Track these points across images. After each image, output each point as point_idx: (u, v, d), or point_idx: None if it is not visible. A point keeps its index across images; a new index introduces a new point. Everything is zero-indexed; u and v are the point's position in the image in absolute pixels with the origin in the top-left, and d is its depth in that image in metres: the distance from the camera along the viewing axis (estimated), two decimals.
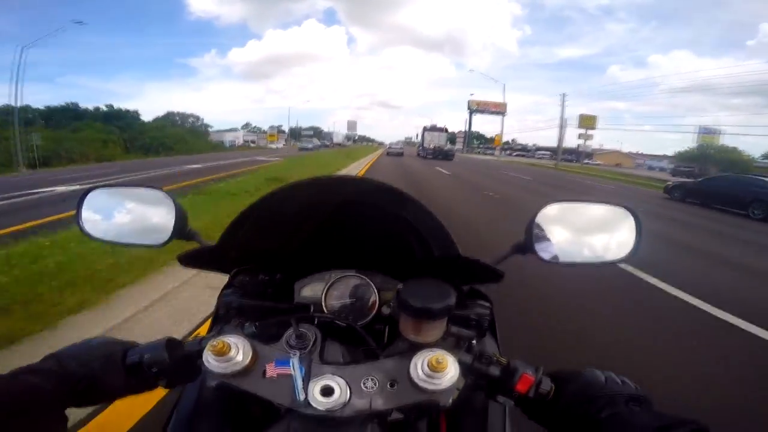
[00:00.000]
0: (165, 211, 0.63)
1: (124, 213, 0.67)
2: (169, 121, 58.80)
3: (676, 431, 0.35)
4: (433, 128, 32.45)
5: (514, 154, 74.14)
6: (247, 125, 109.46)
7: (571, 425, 0.42)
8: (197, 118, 68.00)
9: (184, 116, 65.77)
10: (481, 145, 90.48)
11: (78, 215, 0.66)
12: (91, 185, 0.69)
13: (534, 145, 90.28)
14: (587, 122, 45.54)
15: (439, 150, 29.15)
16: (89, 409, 1.44)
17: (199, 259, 0.63)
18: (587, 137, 45.98)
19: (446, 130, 33.00)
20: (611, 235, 0.64)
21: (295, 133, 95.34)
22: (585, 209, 0.67)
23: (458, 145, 67.36)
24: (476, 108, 70.94)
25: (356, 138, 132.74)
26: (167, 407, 0.62)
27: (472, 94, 73.97)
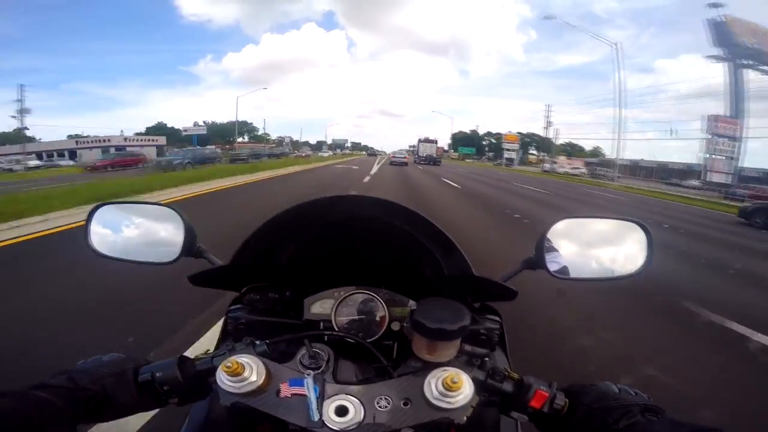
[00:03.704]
0: (174, 228, 0.62)
1: (132, 229, 0.66)
2: None
3: None
4: (426, 140, 40.58)
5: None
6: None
7: None
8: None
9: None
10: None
11: (87, 230, 0.64)
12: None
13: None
14: None
15: (430, 157, 37.18)
16: None
17: (210, 279, 0.62)
18: None
19: (436, 142, 42.05)
20: (622, 249, 0.64)
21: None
22: (595, 224, 0.67)
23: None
24: (751, 46, 25.95)
25: (344, 146, 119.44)
26: (167, 423, 0.60)
27: (718, 5, 27.77)
